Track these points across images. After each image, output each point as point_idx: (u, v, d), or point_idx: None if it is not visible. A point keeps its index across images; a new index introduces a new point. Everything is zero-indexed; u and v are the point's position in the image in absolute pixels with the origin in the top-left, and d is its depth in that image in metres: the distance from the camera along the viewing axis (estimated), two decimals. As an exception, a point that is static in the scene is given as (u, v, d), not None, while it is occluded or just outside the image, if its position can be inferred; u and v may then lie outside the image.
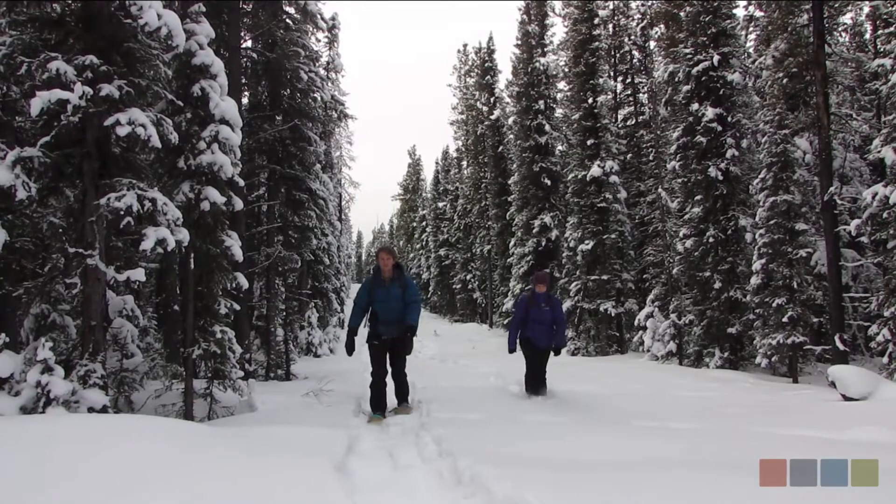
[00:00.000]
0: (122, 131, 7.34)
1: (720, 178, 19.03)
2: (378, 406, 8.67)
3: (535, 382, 10.31)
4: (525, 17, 32.83)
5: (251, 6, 17.11)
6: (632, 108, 29.98)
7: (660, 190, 23.47)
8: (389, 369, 8.85)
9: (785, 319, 16.15)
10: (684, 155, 20.30)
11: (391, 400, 8.98)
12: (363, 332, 8.94)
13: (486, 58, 43.50)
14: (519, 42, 33.43)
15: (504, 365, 18.17)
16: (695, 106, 19.71)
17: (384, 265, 8.65)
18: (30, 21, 7.65)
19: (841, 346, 15.44)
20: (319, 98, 18.50)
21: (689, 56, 19.99)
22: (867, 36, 25.19)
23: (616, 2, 30.66)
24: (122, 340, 8.78)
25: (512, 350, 10.31)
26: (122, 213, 7.37)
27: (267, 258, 16.00)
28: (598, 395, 11.17)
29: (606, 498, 3.82)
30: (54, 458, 3.96)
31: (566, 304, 25.49)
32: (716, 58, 19.35)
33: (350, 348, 8.80)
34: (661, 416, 8.65)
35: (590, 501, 3.77)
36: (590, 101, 25.83)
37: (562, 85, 32.31)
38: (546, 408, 9.81)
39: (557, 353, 10.31)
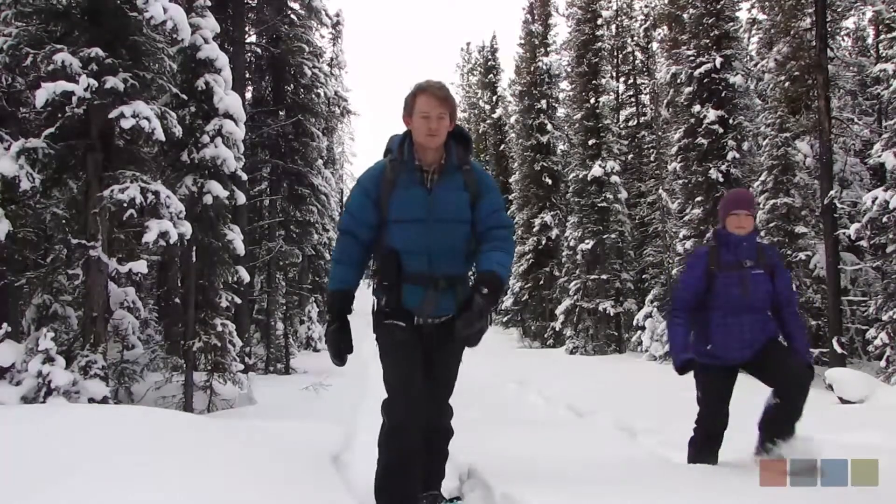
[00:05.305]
0: (127, 124, 7.39)
1: (721, 179, 19.03)
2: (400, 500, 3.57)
3: (709, 447, 4.81)
4: (529, 16, 32.83)
5: (256, 1, 17.16)
6: (634, 109, 29.97)
7: (660, 191, 23.49)
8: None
9: (783, 322, 16.12)
10: (685, 156, 20.29)
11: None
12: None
13: (489, 56, 43.53)
14: (522, 41, 33.44)
15: (499, 363, 18.21)
16: (696, 108, 19.71)
17: (430, 130, 3.48)
18: (36, 13, 7.69)
19: (839, 350, 15.47)
20: (323, 94, 18.55)
21: (692, 58, 19.99)
22: (869, 41, 25.21)
23: (619, 3, 30.66)
24: (122, 332, 8.84)
25: (683, 367, 4.64)
26: (125, 205, 7.43)
27: (268, 252, 16.05)
28: (598, 392, 11.20)
29: (606, 497, 3.85)
30: (57, 447, 4.00)
31: (565, 304, 25.46)
32: (718, 60, 19.34)
33: (338, 349, 3.59)
34: (662, 415, 8.68)
35: (589, 499, 3.80)
36: (592, 101, 25.81)
37: (564, 85, 32.30)
38: (543, 405, 9.87)
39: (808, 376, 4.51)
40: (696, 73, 19.74)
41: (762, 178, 17.20)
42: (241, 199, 10.46)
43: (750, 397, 4.56)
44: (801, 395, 4.34)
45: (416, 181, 3.55)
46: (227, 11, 14.87)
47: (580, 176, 25.61)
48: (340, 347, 3.60)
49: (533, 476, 4.23)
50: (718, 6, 19.75)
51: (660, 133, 25.53)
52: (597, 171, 24.90)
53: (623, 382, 13.88)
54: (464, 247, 3.63)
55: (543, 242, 28.87)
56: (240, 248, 10.01)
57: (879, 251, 15.03)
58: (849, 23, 22.70)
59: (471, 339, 3.50)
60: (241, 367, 10.20)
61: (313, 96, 17.90)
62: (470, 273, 3.78)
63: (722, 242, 4.57)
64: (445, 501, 4.02)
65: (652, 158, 26.32)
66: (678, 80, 21.04)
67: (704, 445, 4.80)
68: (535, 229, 29.08)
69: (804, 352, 4.63)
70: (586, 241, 25.04)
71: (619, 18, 30.70)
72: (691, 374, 4.75)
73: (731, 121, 19.37)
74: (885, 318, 13.34)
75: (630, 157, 28.57)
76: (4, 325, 7.35)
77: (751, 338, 4.54)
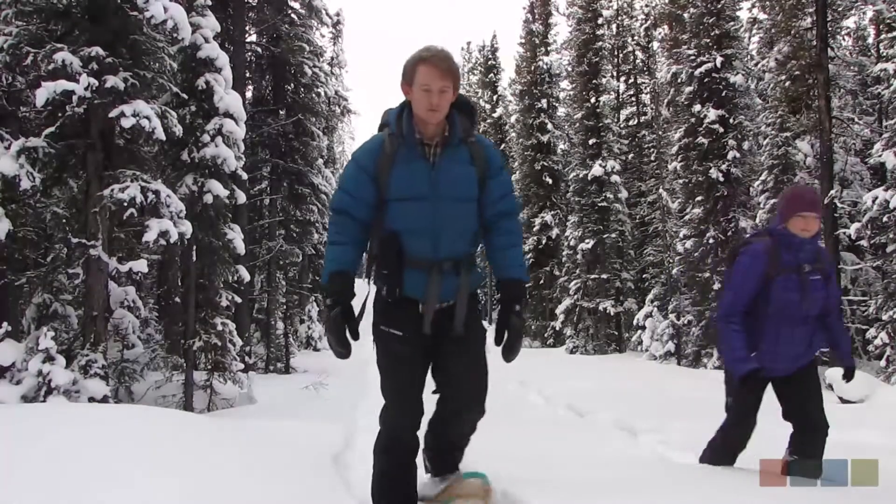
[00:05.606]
0: (127, 123, 7.39)
1: (721, 179, 19.04)
2: None
3: (729, 453, 4.51)
4: (529, 15, 32.81)
5: (256, 1, 17.17)
6: (634, 109, 29.97)
7: (661, 190, 23.49)
8: (434, 408, 3.46)
9: (783, 321, 16.11)
10: (686, 156, 20.30)
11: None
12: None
13: (490, 56, 43.52)
14: (522, 41, 33.41)
15: (499, 362, 18.21)
16: (697, 107, 19.71)
17: (431, 105, 3.09)
18: (36, 11, 7.69)
19: (839, 349, 15.48)
20: (323, 93, 18.58)
21: (692, 57, 19.99)
22: (870, 40, 25.20)
23: (620, 2, 30.68)
24: (123, 331, 8.85)
25: (748, 378, 4.09)
26: (125, 204, 7.43)
27: (268, 251, 16.07)
28: (598, 392, 11.19)
29: (606, 497, 3.84)
30: (58, 444, 4.00)
31: (565, 303, 25.46)
32: (719, 60, 19.34)
33: (342, 337, 3.09)
34: (662, 415, 8.68)
35: (590, 499, 3.80)
36: (592, 100, 25.84)
37: (565, 84, 32.30)
38: (543, 405, 9.86)
39: (850, 377, 4.41)
40: (697, 72, 19.74)
41: (762, 177, 17.21)
42: (242, 198, 10.48)
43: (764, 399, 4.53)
44: (819, 453, 4.21)
45: (417, 155, 3.17)
46: (228, 11, 14.88)
47: (580, 175, 25.62)
48: (344, 335, 3.12)
49: (533, 476, 4.22)
50: (719, 6, 19.76)
51: (660, 132, 25.53)
52: (597, 170, 24.91)
53: (623, 382, 13.88)
54: (472, 227, 3.28)
55: (544, 242, 28.88)
56: (240, 247, 10.02)
57: (880, 251, 15.03)
58: (849, 22, 22.70)
59: (512, 355, 3.33)
60: (242, 366, 10.22)
61: (313, 95, 17.93)
62: (476, 252, 3.43)
63: (783, 244, 4.13)
64: (459, 473, 3.76)
65: (652, 158, 26.33)
66: (679, 80, 21.04)
67: (724, 452, 4.53)
68: (535, 228, 29.09)
69: (848, 356, 4.45)
70: (586, 240, 25.06)
71: (619, 18, 30.71)
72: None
73: (731, 120, 19.37)
74: (885, 317, 13.35)
75: (630, 156, 28.58)
76: (5, 324, 7.36)
77: (803, 351, 4.25)
